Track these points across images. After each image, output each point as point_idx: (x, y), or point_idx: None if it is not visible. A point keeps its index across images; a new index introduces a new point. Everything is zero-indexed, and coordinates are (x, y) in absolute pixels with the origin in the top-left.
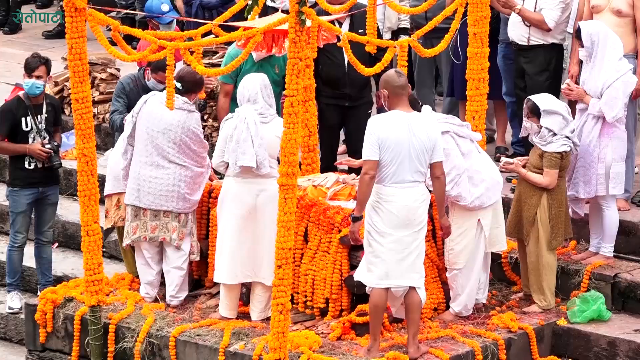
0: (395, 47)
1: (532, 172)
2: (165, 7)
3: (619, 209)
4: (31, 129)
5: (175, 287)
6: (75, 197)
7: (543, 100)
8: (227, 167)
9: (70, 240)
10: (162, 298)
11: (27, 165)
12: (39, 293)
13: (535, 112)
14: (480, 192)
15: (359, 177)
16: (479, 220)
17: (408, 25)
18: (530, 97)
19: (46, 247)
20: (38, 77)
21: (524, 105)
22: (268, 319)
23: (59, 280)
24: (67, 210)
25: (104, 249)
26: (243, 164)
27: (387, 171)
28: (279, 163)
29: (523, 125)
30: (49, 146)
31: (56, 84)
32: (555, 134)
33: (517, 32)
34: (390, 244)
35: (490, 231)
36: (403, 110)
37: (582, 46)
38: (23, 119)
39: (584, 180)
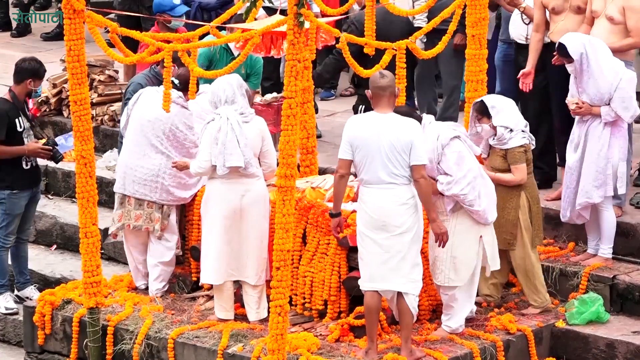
0: (393, 49)
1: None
2: (177, 0)
3: None
4: (24, 129)
5: (161, 281)
6: (73, 199)
7: (490, 99)
8: (213, 169)
9: (68, 242)
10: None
11: (24, 166)
12: (16, 292)
13: (485, 112)
14: (486, 204)
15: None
16: (480, 237)
17: (421, 25)
18: (476, 100)
19: (24, 245)
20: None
21: (472, 110)
22: (266, 319)
23: (57, 282)
24: (66, 212)
25: (103, 251)
26: (231, 165)
27: (362, 171)
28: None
29: (472, 131)
30: (43, 142)
31: (54, 85)
32: (512, 130)
33: (516, 30)
34: (369, 246)
35: (492, 249)
36: (380, 112)
37: (570, 61)
38: (16, 120)
39: (596, 184)
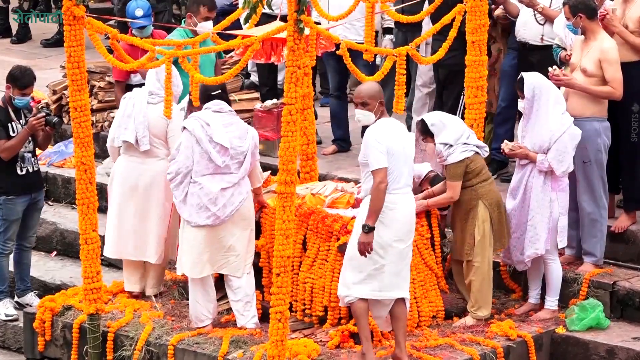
0: (394, 55)
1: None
2: (139, 12)
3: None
4: (17, 133)
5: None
6: (73, 206)
7: (430, 117)
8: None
9: (68, 248)
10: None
11: (19, 172)
12: (17, 299)
13: (428, 132)
14: None
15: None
16: None
17: (392, 25)
18: (418, 120)
19: (27, 253)
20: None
21: (416, 130)
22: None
23: (57, 288)
24: (66, 218)
25: (103, 257)
26: (123, 139)
27: (393, 179)
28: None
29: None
30: (40, 114)
31: (54, 92)
32: (451, 146)
33: (530, 31)
34: (392, 257)
35: None
36: (388, 117)
37: (523, 97)
38: (9, 125)
39: (531, 238)
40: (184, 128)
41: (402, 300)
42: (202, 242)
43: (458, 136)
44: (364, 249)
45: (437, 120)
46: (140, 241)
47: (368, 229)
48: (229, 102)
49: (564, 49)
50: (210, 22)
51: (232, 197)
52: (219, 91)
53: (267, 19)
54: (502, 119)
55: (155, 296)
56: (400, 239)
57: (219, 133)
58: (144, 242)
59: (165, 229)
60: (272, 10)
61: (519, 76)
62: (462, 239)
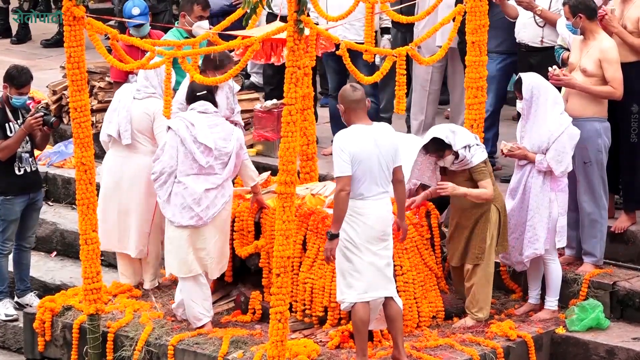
0: (394, 55)
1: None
2: (136, 11)
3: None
4: (14, 133)
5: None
6: (73, 206)
7: (439, 132)
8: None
9: (68, 248)
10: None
11: (17, 172)
12: (16, 299)
13: (443, 147)
14: None
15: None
16: None
17: (390, 25)
18: (423, 144)
19: (27, 253)
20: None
21: (422, 155)
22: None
23: (57, 289)
24: (66, 219)
25: (103, 258)
26: (107, 132)
27: (361, 185)
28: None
29: (429, 171)
30: (38, 114)
31: (54, 92)
32: (470, 146)
33: (529, 33)
34: (370, 258)
35: None
36: (363, 124)
37: (521, 98)
38: (7, 125)
39: (530, 239)
40: (169, 128)
41: (392, 299)
42: (186, 242)
43: (468, 136)
44: (326, 255)
45: (447, 131)
46: (122, 234)
47: (331, 236)
48: (215, 104)
49: (567, 49)
50: (206, 21)
51: (215, 199)
52: (205, 92)
53: (269, 18)
54: (489, 124)
55: (155, 296)
56: (370, 242)
57: (203, 134)
58: (126, 236)
59: (148, 224)
60: (272, 10)
61: (517, 77)
62: (470, 243)
